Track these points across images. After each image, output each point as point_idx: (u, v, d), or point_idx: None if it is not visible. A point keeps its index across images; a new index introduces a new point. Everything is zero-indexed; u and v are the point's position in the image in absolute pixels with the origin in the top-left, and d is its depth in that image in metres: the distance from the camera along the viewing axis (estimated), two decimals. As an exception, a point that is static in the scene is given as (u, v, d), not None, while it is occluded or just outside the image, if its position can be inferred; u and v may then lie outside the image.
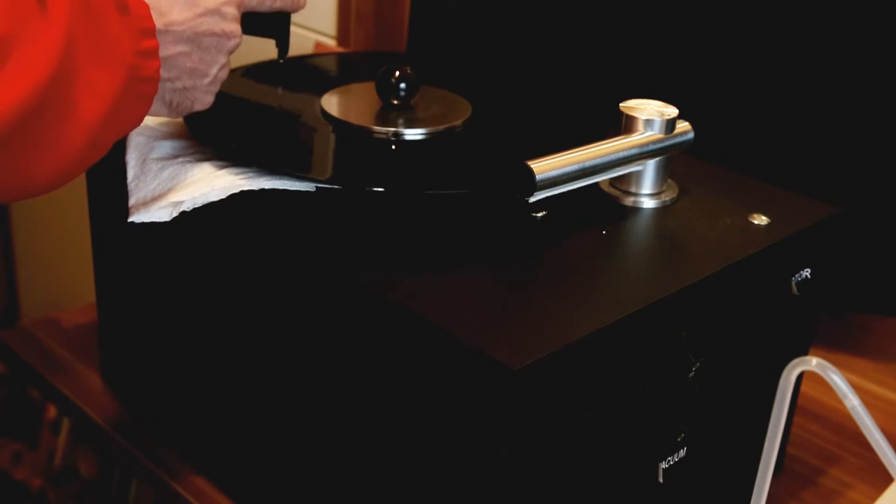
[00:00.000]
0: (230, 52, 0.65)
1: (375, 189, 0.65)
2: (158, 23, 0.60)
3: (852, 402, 0.47)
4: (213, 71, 0.64)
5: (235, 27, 0.65)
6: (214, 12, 0.63)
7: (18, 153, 0.52)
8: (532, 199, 0.61)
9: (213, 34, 0.63)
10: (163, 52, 0.60)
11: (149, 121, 0.74)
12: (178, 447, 0.78)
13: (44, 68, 0.52)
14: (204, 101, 0.66)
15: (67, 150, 0.55)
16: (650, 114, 0.67)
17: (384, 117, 0.73)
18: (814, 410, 0.85)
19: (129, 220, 0.64)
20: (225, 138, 0.70)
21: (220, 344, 0.71)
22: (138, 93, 0.59)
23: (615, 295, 0.57)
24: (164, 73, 0.61)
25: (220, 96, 0.77)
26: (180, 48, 0.62)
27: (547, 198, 0.62)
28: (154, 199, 0.64)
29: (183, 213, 0.64)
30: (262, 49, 1.02)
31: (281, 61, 0.75)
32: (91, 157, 0.58)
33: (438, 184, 0.67)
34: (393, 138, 0.71)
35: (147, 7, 0.59)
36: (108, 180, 0.73)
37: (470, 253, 0.62)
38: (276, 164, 0.66)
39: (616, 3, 0.94)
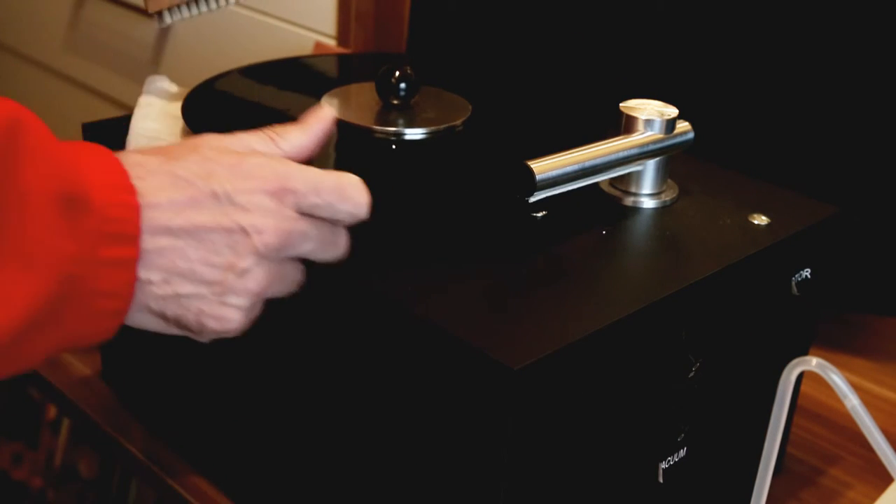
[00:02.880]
0: (259, 253, 0.49)
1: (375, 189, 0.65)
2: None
3: (852, 402, 0.47)
4: (229, 278, 0.48)
5: (262, 220, 0.48)
6: (222, 198, 0.48)
7: None
8: (532, 199, 0.61)
9: (221, 228, 0.48)
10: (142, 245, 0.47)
11: (149, 122, 0.74)
12: (178, 447, 0.78)
13: None
14: (220, 315, 0.50)
15: None
16: (650, 114, 0.67)
17: (384, 117, 0.73)
18: (814, 410, 0.85)
19: (130, 220, 0.63)
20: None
21: (219, 343, 0.70)
22: (90, 307, 0.46)
23: (615, 295, 0.57)
24: (143, 274, 0.47)
25: (221, 96, 0.77)
26: (165, 241, 0.47)
27: (547, 198, 0.62)
28: (154, 200, 0.64)
29: (183, 214, 0.63)
30: (262, 49, 1.02)
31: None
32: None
33: (438, 184, 0.67)
34: (393, 138, 0.71)
35: (127, 206, 0.46)
36: (108, 180, 0.73)
37: (470, 253, 0.62)
38: (276, 164, 0.66)
39: (616, 3, 0.94)
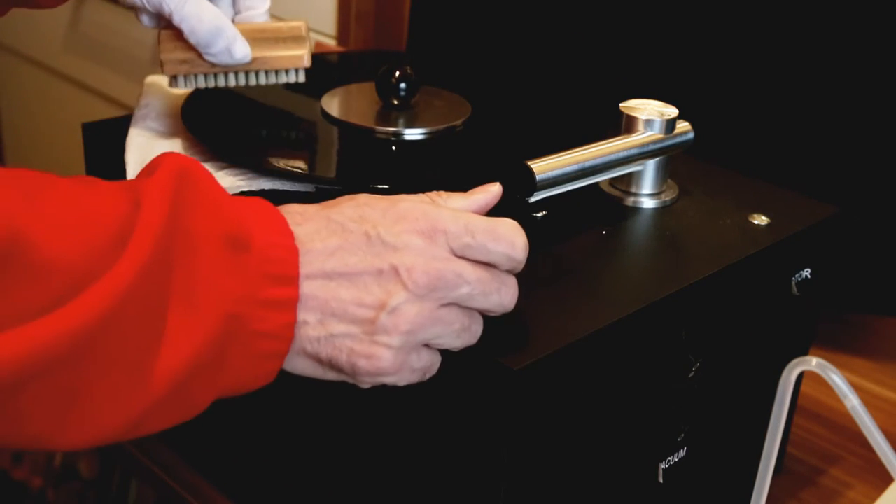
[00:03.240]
0: (409, 291, 0.48)
1: (376, 189, 0.65)
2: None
3: (852, 402, 0.47)
4: (380, 316, 0.48)
5: (411, 259, 0.48)
6: (374, 240, 0.49)
7: (38, 400, 0.42)
8: (532, 199, 0.61)
9: (373, 268, 0.48)
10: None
11: (148, 122, 0.74)
12: (178, 447, 0.78)
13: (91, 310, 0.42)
14: (370, 353, 0.49)
15: (111, 403, 0.44)
16: (650, 114, 0.67)
17: (384, 117, 0.73)
18: (814, 410, 0.85)
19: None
20: (225, 138, 0.70)
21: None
22: (252, 349, 0.47)
23: (615, 295, 0.57)
24: (300, 316, 0.48)
25: (221, 96, 0.77)
26: (320, 283, 0.48)
27: (547, 198, 0.62)
28: (154, 200, 0.64)
29: (183, 214, 0.63)
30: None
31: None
32: (161, 418, 0.47)
33: (438, 184, 0.67)
34: (393, 138, 0.71)
35: (286, 248, 0.47)
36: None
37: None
38: (276, 165, 0.66)
39: (616, 3, 0.94)
